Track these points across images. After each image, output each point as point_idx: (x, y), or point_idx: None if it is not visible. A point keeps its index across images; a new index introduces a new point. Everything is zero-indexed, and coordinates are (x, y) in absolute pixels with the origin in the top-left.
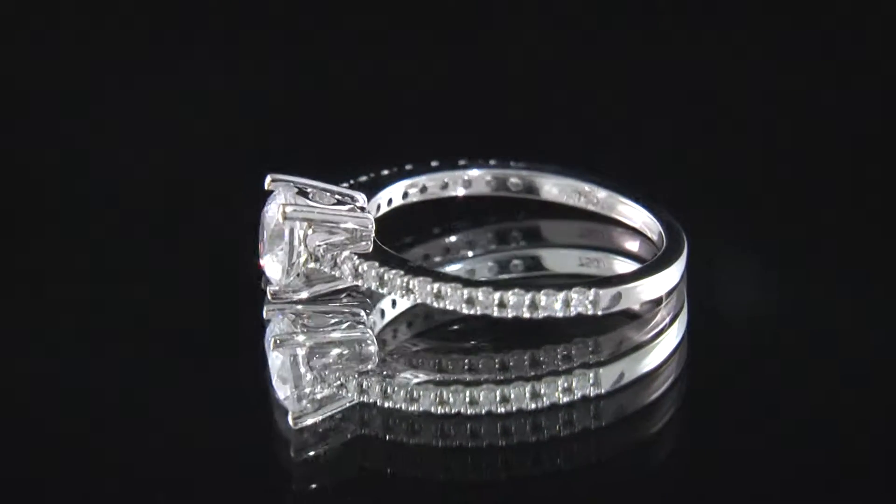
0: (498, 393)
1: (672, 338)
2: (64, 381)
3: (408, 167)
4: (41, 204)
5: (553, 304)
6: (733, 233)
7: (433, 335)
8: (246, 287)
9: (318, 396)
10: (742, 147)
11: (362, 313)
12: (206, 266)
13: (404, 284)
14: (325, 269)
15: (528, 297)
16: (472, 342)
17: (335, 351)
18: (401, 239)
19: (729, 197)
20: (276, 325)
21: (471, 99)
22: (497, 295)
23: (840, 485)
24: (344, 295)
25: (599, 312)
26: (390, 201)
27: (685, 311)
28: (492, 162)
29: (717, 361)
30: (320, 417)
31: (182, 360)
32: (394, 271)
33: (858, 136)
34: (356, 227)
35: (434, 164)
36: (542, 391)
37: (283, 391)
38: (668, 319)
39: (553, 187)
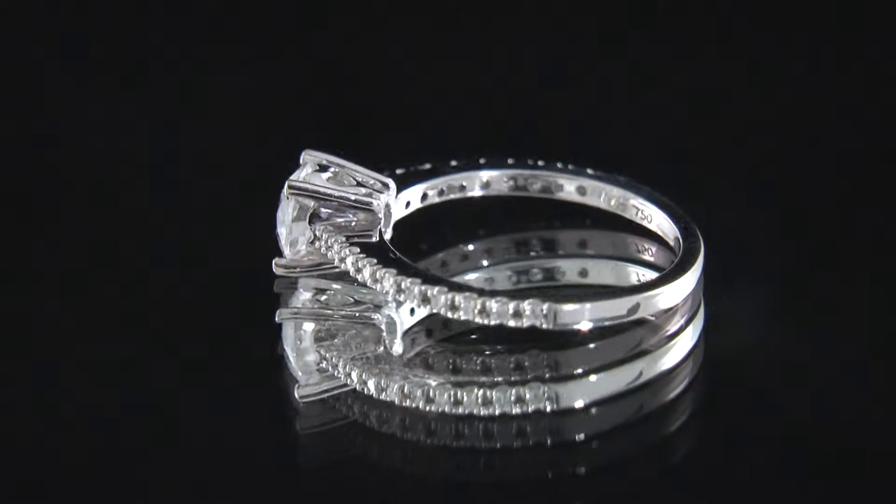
0: (452, 394)
1: (687, 340)
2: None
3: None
4: (40, 204)
5: (505, 313)
6: (748, 235)
7: (457, 340)
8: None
9: (327, 374)
10: (746, 147)
11: (389, 300)
12: (239, 238)
13: (373, 274)
14: (322, 249)
15: (478, 302)
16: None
17: (346, 332)
18: (419, 238)
19: (741, 198)
20: (293, 299)
21: (472, 100)
22: (450, 296)
23: (844, 486)
24: None
25: (553, 327)
26: (424, 196)
27: (701, 313)
28: (510, 161)
29: (731, 364)
30: (327, 395)
31: (207, 330)
32: (367, 259)
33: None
34: (361, 211)
35: (453, 163)
36: (494, 398)
37: (292, 364)
38: (682, 322)
39: (575, 187)
